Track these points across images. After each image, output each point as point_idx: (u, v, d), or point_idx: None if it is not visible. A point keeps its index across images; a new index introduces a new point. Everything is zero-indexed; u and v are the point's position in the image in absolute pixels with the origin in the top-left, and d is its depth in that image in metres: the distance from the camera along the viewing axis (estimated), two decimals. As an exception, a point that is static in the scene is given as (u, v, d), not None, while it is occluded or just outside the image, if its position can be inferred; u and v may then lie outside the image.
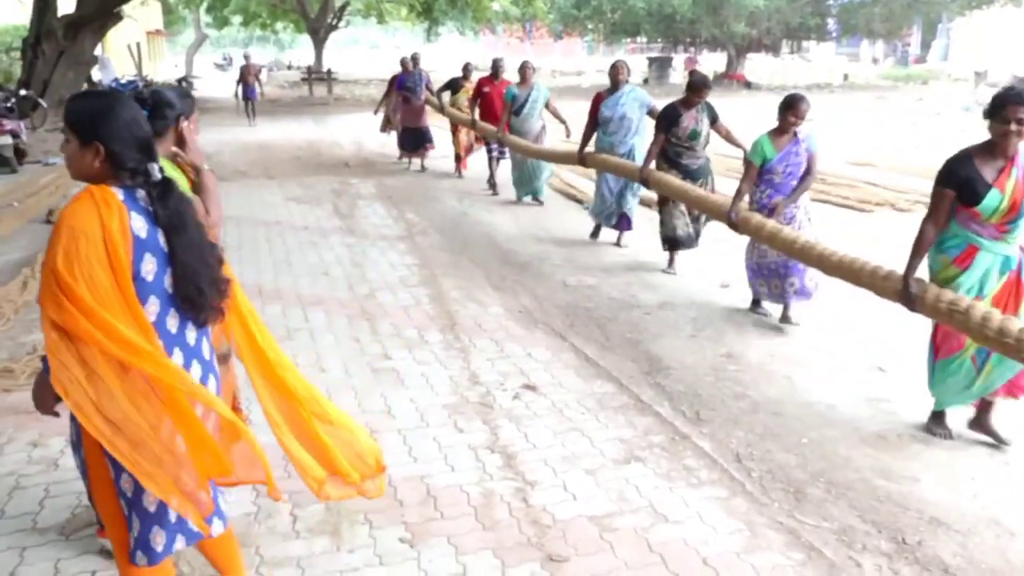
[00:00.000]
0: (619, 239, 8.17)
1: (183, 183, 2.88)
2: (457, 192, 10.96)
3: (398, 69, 13.13)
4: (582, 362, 5.14)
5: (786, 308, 5.83)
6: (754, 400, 4.63)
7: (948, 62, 40.95)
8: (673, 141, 6.83)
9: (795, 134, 5.58)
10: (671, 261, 7.24)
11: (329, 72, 30.46)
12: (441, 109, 12.28)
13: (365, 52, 69.16)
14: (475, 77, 11.81)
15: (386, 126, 13.78)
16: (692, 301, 6.36)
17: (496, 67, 10.75)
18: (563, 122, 9.75)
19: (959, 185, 3.85)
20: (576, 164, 8.30)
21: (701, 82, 6.83)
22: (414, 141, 12.72)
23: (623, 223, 8.07)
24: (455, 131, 12.09)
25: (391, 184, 11.61)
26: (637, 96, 7.81)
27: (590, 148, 8.00)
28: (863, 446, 4.11)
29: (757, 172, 5.61)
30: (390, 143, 14.42)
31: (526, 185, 10.18)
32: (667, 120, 6.84)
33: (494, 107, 10.47)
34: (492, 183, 10.96)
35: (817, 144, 5.71)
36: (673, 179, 6.69)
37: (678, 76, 29.42)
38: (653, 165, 6.88)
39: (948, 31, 42.62)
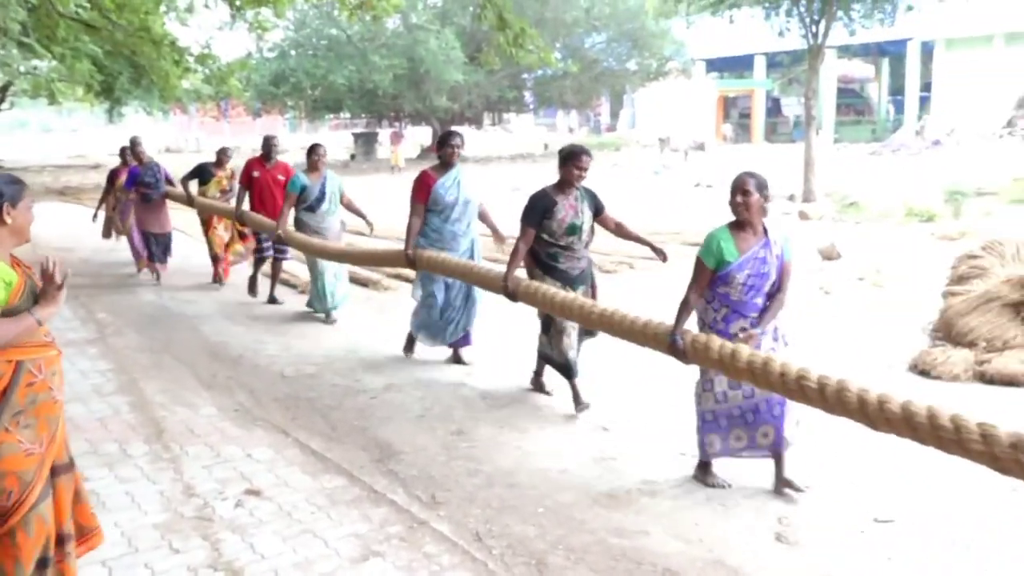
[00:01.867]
0: (458, 356, 6.63)
1: (13, 282, 2.71)
2: (152, 285, 10.06)
3: (113, 159, 11.32)
4: (308, 457, 4.85)
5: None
6: (488, 474, 4.59)
7: (636, 129, 44.86)
8: (546, 239, 5.26)
9: (765, 232, 4.07)
10: (577, 396, 5.40)
11: (-7, 160, 27.59)
12: (190, 201, 9.68)
13: (36, 136, 63.07)
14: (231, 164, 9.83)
15: (109, 231, 11.31)
16: (418, 380, 6.26)
17: (268, 147, 8.73)
18: (363, 217, 7.87)
19: None
20: (402, 266, 6.58)
21: (578, 149, 5.30)
22: (161, 249, 10.07)
23: (464, 339, 6.59)
24: (209, 227, 9.76)
25: (75, 282, 10.47)
26: (471, 177, 6.45)
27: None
28: (596, 507, 4.19)
29: (709, 279, 4.11)
30: (78, 237, 13.12)
31: (326, 299, 7.99)
32: (539, 211, 5.23)
33: (266, 196, 8.61)
34: (252, 289, 9.12)
35: (793, 253, 4.25)
36: (558, 291, 5.02)
37: (385, 151, 29.92)
38: (523, 272, 5.41)
39: (633, 101, 46.84)
